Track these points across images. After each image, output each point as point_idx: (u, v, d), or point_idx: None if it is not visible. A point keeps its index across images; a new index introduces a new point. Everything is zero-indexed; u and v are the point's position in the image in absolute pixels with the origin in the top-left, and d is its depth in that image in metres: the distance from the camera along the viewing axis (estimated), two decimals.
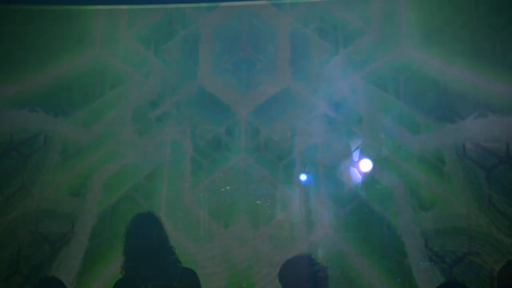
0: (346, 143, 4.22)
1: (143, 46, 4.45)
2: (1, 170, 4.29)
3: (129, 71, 4.43)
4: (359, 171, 4.28)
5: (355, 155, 4.30)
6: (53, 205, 4.23)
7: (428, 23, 4.15)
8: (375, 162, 4.12)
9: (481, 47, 4.01)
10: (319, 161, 4.18)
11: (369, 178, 4.12)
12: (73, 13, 4.50)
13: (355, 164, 4.28)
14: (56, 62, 4.44)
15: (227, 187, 4.19)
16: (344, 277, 3.92)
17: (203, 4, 4.44)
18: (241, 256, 4.06)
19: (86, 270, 4.10)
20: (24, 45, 4.45)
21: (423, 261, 3.84)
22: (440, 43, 4.10)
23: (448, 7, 4.12)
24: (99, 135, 4.33)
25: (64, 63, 4.44)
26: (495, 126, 3.88)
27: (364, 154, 4.20)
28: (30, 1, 4.46)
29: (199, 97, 4.34)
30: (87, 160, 4.30)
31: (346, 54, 4.25)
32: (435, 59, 4.09)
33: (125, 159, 4.28)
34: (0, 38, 4.46)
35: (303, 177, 4.24)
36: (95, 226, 4.18)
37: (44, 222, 4.19)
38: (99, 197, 4.23)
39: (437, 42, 4.10)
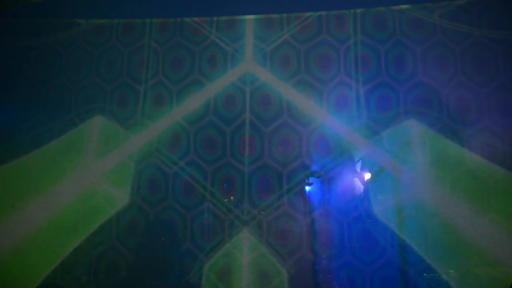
0: (350, 154, 4.26)
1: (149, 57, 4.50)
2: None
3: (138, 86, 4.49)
4: (362, 182, 4.32)
5: (358, 165, 4.35)
6: (60, 214, 4.26)
7: (430, 37, 4.19)
8: (378, 172, 4.15)
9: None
10: (323, 171, 4.21)
11: (372, 188, 4.15)
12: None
13: (358, 174, 4.33)
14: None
15: (231, 197, 4.22)
16: (348, 286, 3.94)
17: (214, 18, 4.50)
18: (244, 265, 4.08)
19: (90, 279, 4.11)
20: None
21: (427, 272, 3.86)
22: (442, 56, 4.15)
23: (450, 20, 4.17)
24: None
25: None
26: (496, 136, 3.90)
27: (367, 164, 4.24)
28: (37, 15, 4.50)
29: (205, 107, 4.38)
30: (95, 170, 4.35)
31: (354, 66, 4.30)
32: (437, 71, 4.14)
33: (130, 169, 4.32)
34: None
35: (307, 187, 4.29)
36: (99, 235, 4.20)
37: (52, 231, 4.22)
38: (104, 205, 4.26)
39: (440, 55, 4.15)
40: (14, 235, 4.16)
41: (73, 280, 4.10)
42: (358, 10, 4.34)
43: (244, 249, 4.09)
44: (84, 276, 4.14)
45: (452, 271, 3.81)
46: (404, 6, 4.24)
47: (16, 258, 4.14)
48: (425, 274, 3.84)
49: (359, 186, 4.36)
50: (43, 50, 4.48)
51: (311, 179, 4.26)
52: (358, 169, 4.37)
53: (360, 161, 4.36)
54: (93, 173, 4.28)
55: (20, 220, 4.19)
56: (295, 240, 4.10)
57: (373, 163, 4.20)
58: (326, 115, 4.24)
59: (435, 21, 4.12)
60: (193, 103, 4.38)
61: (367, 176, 4.31)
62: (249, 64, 4.41)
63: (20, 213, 4.21)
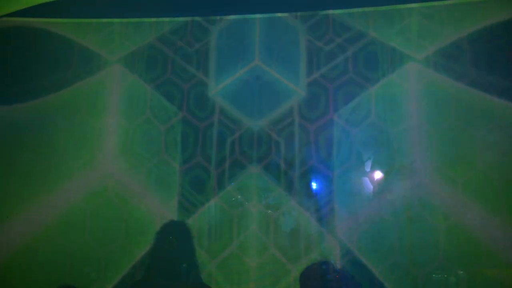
0: (359, 153, 4.23)
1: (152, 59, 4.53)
2: None
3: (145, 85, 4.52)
4: (371, 181, 4.28)
5: (367, 165, 4.31)
6: (68, 213, 4.29)
7: (439, 34, 4.14)
8: (387, 172, 4.11)
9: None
10: (330, 170, 4.19)
11: (382, 188, 4.10)
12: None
13: (367, 174, 4.29)
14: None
15: (238, 197, 4.22)
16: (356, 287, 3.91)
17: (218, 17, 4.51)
18: (252, 266, 4.08)
19: (99, 277, 4.14)
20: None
21: (436, 273, 3.81)
22: (451, 55, 4.09)
23: (459, 20, 4.11)
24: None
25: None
26: (508, 138, 3.85)
27: (376, 164, 4.20)
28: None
29: (210, 107, 4.39)
30: (102, 169, 4.37)
31: (358, 64, 4.27)
32: (447, 71, 4.08)
33: (136, 168, 4.35)
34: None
35: (314, 186, 4.26)
36: (108, 233, 4.23)
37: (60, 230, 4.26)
38: (112, 203, 4.29)
39: (449, 54, 4.09)
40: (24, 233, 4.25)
41: (82, 278, 4.15)
42: (369, 9, 4.33)
43: (252, 249, 4.09)
44: (93, 274, 4.19)
45: (461, 272, 3.77)
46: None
47: (25, 256, 4.22)
48: (434, 275, 3.81)
49: (368, 186, 4.32)
50: None
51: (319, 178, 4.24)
52: (367, 169, 4.33)
53: (369, 160, 4.33)
54: (102, 170, 4.33)
55: (29, 218, 4.26)
56: (303, 240, 4.09)
57: (382, 162, 4.16)
58: (335, 114, 4.23)
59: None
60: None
61: (377, 175, 4.27)
62: (258, 63, 4.41)
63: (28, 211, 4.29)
